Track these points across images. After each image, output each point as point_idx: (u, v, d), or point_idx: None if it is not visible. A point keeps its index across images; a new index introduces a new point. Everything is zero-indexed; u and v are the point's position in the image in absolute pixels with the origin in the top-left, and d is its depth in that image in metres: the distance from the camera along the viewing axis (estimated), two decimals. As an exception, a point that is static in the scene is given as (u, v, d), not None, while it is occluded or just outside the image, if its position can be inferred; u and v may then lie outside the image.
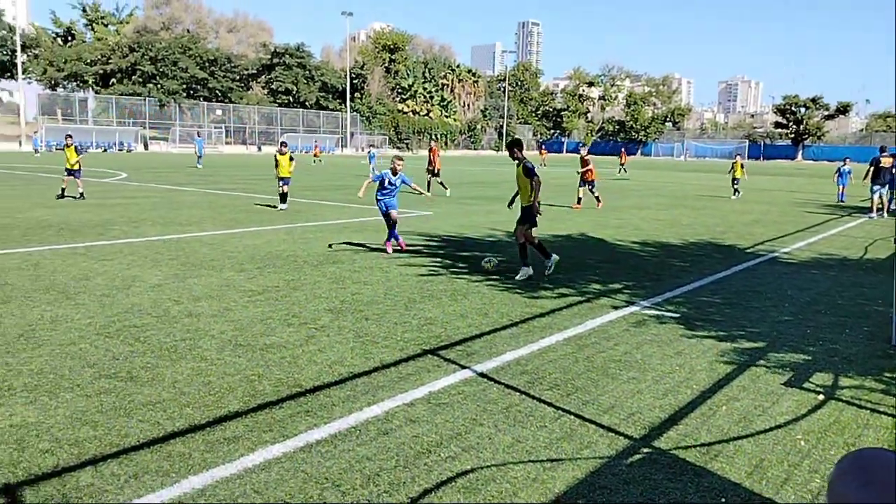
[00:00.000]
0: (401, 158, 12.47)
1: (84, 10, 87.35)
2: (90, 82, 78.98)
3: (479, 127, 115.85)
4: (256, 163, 50.19)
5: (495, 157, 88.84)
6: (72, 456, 4.13)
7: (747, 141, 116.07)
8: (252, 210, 18.30)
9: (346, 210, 19.09)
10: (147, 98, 77.66)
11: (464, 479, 4.02)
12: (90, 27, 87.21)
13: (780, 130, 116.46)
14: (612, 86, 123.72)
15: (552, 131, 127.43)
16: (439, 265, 11.00)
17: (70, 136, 21.26)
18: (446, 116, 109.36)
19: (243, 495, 3.76)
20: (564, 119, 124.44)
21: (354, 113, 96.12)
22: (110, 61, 78.00)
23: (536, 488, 3.94)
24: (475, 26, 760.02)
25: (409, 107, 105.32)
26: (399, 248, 12.16)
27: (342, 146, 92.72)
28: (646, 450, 4.51)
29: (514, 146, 10.21)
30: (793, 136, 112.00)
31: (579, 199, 21.80)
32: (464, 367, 6.00)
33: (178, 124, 78.80)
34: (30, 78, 75.58)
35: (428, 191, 24.80)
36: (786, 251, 13.68)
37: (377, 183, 12.31)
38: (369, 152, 39.62)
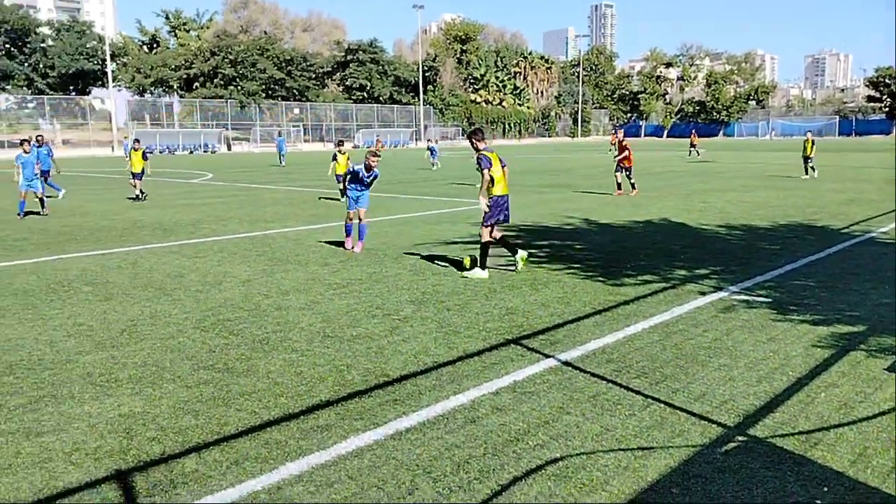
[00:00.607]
0: (376, 154, 11.26)
1: (167, 18, 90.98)
2: (175, 87, 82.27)
3: (553, 114, 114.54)
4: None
5: (571, 144, 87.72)
6: (176, 444, 4.35)
7: (837, 117, 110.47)
8: (332, 206, 18.70)
9: (422, 203, 19.26)
10: (228, 100, 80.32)
11: (553, 467, 4.01)
12: (173, 34, 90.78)
13: (872, 105, 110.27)
14: (691, 66, 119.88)
15: (629, 115, 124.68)
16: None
17: (137, 141, 21.98)
18: (519, 105, 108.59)
19: (338, 481, 3.87)
20: (642, 102, 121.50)
21: (427, 106, 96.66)
22: (193, 66, 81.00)
23: (628, 476, 3.90)
24: (546, 12, 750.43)
25: (481, 97, 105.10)
26: (354, 248, 11.23)
27: (416, 139, 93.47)
28: (741, 438, 4.39)
29: (472, 136, 9.35)
30: (887, 109, 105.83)
31: (619, 185, 20.81)
32: (548, 356, 5.97)
33: (258, 124, 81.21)
34: (119, 85, 79.36)
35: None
36: (884, 231, 12.97)
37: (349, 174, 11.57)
38: (429, 146, 39.12)
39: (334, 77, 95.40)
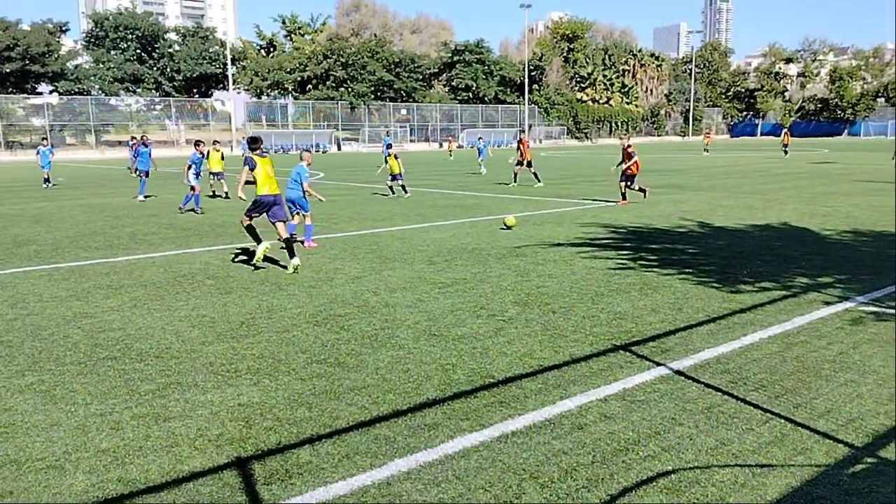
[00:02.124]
0: (307, 151, 12.81)
1: (283, 23, 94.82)
2: (290, 89, 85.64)
3: (662, 112, 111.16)
4: (438, 159, 51.77)
5: (681, 143, 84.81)
6: (291, 434, 4.53)
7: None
8: (438, 205, 18.92)
9: (526, 203, 19.15)
10: (339, 101, 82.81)
11: (665, 480, 3.89)
12: (289, 38, 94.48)
13: None
14: (813, 61, 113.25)
15: (744, 113, 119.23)
16: (626, 257, 10.71)
17: (217, 142, 23.38)
18: (627, 103, 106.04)
19: (445, 480, 3.91)
20: (759, 99, 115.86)
21: (532, 105, 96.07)
22: (307, 69, 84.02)
23: (746, 494, 3.73)
24: (658, 8, 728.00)
25: (588, 95, 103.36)
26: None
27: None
28: (870, 460, 4.10)
29: (249, 143, 10.63)
30: None
31: (623, 195, 18.52)
32: (658, 364, 5.80)
33: (366, 125, 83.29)
34: (239, 88, 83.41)
35: (515, 181, 25.47)
36: None
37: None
38: (478, 146, 34.61)
39: (440, 78, 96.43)
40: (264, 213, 10.34)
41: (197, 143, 19.44)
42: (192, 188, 17.95)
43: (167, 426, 4.67)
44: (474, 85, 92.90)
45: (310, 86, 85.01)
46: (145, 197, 21.12)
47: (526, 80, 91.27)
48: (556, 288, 8.68)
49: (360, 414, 4.83)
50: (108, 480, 3.96)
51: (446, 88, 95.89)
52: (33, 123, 68.84)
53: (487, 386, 5.35)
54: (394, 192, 21.38)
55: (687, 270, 9.62)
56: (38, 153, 27.34)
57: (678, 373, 5.60)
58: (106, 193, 23.09)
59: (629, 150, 18.58)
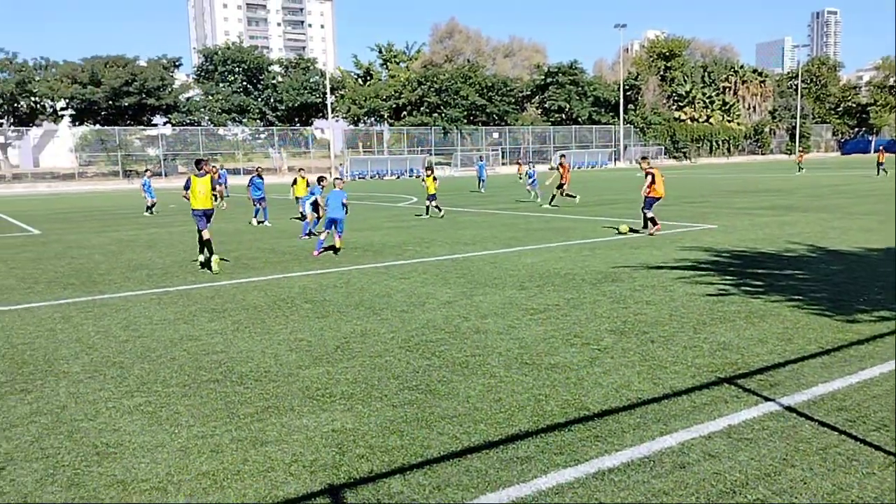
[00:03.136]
0: (340, 178, 15.99)
1: (380, 52, 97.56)
2: (385, 116, 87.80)
3: (766, 130, 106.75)
4: (532, 181, 51.48)
5: (787, 162, 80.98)
6: (383, 463, 4.52)
7: None
8: (530, 228, 18.77)
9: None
10: (433, 127, 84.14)
11: (776, 528, 3.62)
12: (385, 66, 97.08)
13: None
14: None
15: (856, 129, 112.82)
16: (730, 283, 10.23)
17: (301, 170, 24.49)
18: (728, 121, 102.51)
19: (538, 518, 3.78)
20: (871, 115, 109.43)
21: (628, 125, 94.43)
22: (402, 96, 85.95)
23: (869, 549, 3.41)
24: (761, 23, 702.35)
25: (686, 114, 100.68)
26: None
27: (615, 159, 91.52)
28: None
29: (196, 164, 13.23)
30: None
31: (652, 220, 16.94)
32: (767, 400, 5.45)
33: (459, 149, 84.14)
34: (337, 116, 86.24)
35: (551, 203, 25.86)
36: None
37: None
38: (528, 171, 32.33)
39: (533, 100, 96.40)
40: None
41: (320, 180, 19.70)
42: (303, 216, 18.83)
43: (264, 450, 4.76)
44: (567, 106, 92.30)
45: (404, 112, 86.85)
46: (262, 223, 22.21)
47: (621, 100, 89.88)
48: (655, 315, 8.37)
49: (451, 444, 4.77)
50: None
51: (539, 111, 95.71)
52: (148, 153, 73.49)
53: (582, 419, 5.18)
54: (428, 213, 23.16)
55: (796, 298, 9.08)
56: (144, 184, 29.09)
57: (789, 409, 5.25)
58: (219, 221, 24.22)
59: (649, 170, 17.78)
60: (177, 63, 78.45)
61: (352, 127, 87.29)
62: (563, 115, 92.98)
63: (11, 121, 70.86)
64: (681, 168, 77.18)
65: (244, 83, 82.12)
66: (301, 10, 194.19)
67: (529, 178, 31.07)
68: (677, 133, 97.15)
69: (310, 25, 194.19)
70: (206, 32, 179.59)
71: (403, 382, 6.13)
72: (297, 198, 23.61)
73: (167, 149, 72.80)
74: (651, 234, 16.49)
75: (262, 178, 23.06)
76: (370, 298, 9.93)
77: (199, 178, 13.25)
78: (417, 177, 72.44)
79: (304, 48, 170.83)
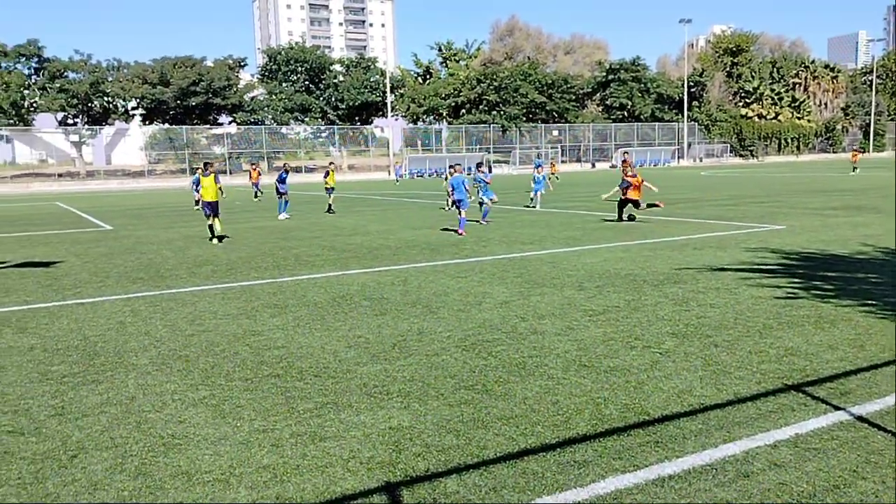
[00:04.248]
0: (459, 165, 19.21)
1: (440, 50, 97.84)
2: (444, 114, 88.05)
3: (839, 127, 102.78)
4: (591, 180, 50.95)
5: (861, 160, 77.81)
6: (439, 462, 4.53)
7: None
8: (587, 228, 18.54)
9: (685, 226, 18.30)
10: (491, 125, 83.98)
11: (847, 544, 3.48)
12: (444, 65, 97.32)
13: None
14: None
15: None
16: (798, 286, 9.88)
17: (332, 164, 27.22)
18: (798, 118, 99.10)
19: (596, 524, 3.73)
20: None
21: (692, 122, 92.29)
22: (461, 94, 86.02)
23: (948, 570, 3.24)
24: (833, 16, 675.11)
25: (753, 111, 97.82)
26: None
27: (678, 157, 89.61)
28: None
29: (204, 167, 16.55)
30: None
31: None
32: (837, 409, 5.25)
33: (517, 147, 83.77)
34: (396, 115, 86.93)
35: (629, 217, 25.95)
36: None
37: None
38: (535, 175, 29.25)
39: (594, 97, 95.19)
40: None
41: (479, 165, 22.65)
42: (480, 203, 20.38)
43: (323, 446, 4.83)
44: (629, 103, 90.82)
45: (463, 110, 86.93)
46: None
47: (685, 97, 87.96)
48: (719, 319, 8.16)
49: (507, 445, 4.75)
50: (267, 497, 4.14)
51: (600, 108, 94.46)
52: (214, 151, 75.57)
53: (642, 423, 5.08)
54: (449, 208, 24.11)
55: (869, 302, 8.71)
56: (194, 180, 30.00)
57: (860, 419, 5.04)
58: (275, 216, 24.75)
59: (629, 173, 19.25)
60: (242, 63, 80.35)
61: (411, 125, 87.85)
62: (625, 113, 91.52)
63: (86, 120, 73.81)
64: (747, 166, 75.09)
65: (306, 82, 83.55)
66: (362, 9, 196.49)
67: (535, 183, 27.92)
68: (744, 130, 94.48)
69: (371, 25, 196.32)
70: (271, 33, 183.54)
71: (460, 382, 6.13)
72: (327, 188, 26.03)
73: (232, 147, 74.73)
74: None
75: (287, 173, 25.38)
76: (427, 297, 9.97)
77: (205, 178, 17.42)
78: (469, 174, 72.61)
79: (364, 47, 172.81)
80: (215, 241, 17.26)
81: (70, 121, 73.18)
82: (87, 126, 73.95)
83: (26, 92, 70.90)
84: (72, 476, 4.48)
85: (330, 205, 26.33)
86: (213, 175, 17.49)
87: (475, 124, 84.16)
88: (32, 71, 72.22)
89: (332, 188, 26.35)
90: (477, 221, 19.47)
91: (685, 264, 12.08)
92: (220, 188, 17.75)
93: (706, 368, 6.33)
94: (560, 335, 7.64)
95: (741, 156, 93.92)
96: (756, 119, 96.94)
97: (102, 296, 10.74)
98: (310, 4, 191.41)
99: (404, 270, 12.45)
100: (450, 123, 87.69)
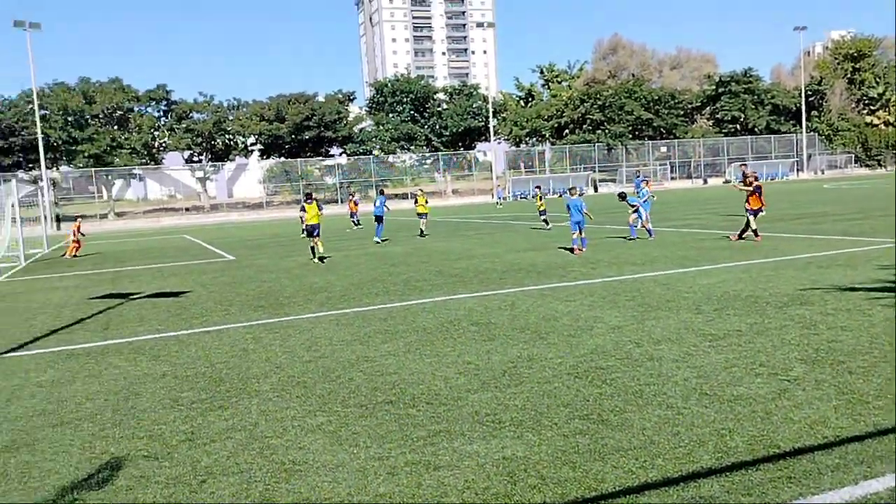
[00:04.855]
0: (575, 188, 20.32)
1: (541, 72, 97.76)
2: (547, 136, 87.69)
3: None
4: (703, 196, 49.14)
5: None
6: (556, 495, 4.42)
7: None
8: (703, 247, 17.83)
9: (809, 243, 17.27)
10: (596, 144, 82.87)
11: None
12: (546, 86, 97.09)
13: None
14: None
15: None
16: (942, 307, 9.08)
17: (421, 190, 29.58)
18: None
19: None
20: None
21: (811, 133, 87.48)
22: (564, 115, 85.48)
23: None
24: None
25: (879, 118, 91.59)
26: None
27: (797, 170, 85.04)
28: None
29: (305, 199, 17.87)
30: None
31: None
32: None
33: (624, 165, 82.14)
34: (499, 138, 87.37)
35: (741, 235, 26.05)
36: None
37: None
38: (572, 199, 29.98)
39: (704, 112, 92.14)
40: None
41: (646, 181, 25.01)
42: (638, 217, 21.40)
43: (437, 475, 4.84)
44: (742, 116, 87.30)
45: (566, 131, 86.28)
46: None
47: (803, 107, 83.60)
48: (852, 343, 7.61)
49: (626, 479, 4.59)
50: (385, 525, 4.18)
51: (710, 122, 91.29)
52: (326, 182, 78.65)
53: (772, 457, 4.78)
54: (548, 225, 26.67)
55: None
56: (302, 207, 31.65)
57: None
58: (387, 243, 25.34)
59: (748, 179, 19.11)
60: (351, 97, 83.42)
61: (513, 148, 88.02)
62: (738, 126, 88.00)
63: (209, 157, 78.65)
64: (876, 177, 70.24)
65: (412, 112, 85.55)
66: (464, 38, 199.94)
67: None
68: (869, 139, 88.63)
69: (472, 52, 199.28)
70: (377, 66, 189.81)
71: (574, 411, 6.00)
72: (419, 213, 27.60)
73: (342, 177, 77.44)
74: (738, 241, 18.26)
75: (383, 195, 27.85)
76: (536, 322, 9.86)
77: (308, 205, 21.15)
78: (581, 194, 71.71)
79: (467, 74, 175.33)
80: (317, 260, 19.98)
81: (195, 158, 78.23)
82: (210, 162, 78.76)
83: (156, 133, 76.58)
84: (202, 500, 4.69)
85: (421, 229, 27.69)
86: (315, 203, 21.21)
87: (579, 144, 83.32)
88: (161, 113, 77.94)
89: (423, 213, 27.69)
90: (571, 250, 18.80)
91: (811, 284, 11.38)
92: (320, 213, 21.18)
93: (840, 397, 5.90)
94: (678, 361, 7.35)
95: (867, 166, 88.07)
96: (882, 127, 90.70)
97: (227, 323, 11.31)
98: (414, 37, 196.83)
99: (511, 294, 12.40)
100: (553, 144, 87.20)
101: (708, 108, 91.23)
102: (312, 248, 20.63)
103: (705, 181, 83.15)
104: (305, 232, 22.01)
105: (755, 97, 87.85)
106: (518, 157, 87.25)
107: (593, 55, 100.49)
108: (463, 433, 5.62)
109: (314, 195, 22.98)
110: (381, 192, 28.97)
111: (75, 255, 27.90)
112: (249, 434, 5.93)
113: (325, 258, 20.46)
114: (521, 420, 5.85)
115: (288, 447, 5.56)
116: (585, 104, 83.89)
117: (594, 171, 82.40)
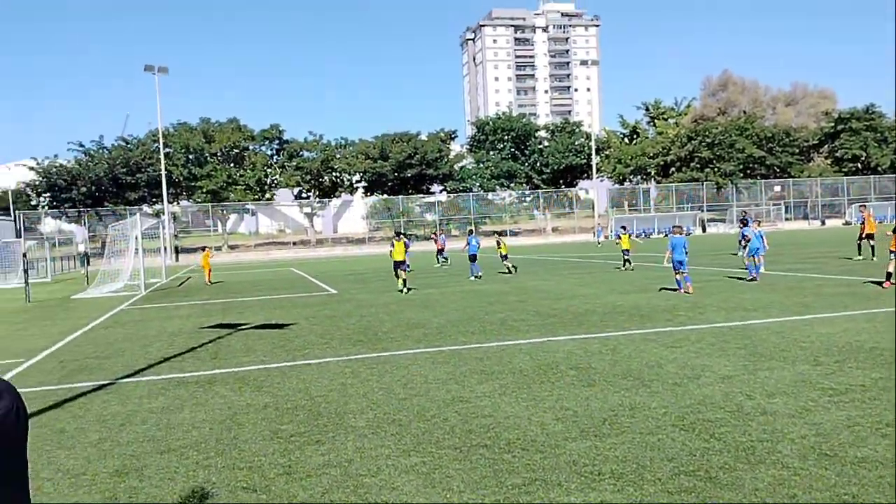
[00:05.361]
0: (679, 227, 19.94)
1: (647, 110, 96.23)
2: (652, 174, 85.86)
3: None
4: (821, 238, 46.47)
5: None
6: (658, 557, 4.15)
7: None
8: (822, 293, 16.75)
9: (944, 291, 15.88)
10: (704, 182, 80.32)
11: None
12: (652, 124, 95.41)
13: None
14: None
15: None
16: None
17: (501, 233, 31.24)
18: None
19: None
20: None
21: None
22: (670, 152, 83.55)
23: None
24: None
25: None
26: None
27: (928, 212, 79.01)
28: None
29: (397, 234, 20.63)
30: None
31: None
32: None
33: (734, 205, 79.07)
34: (602, 176, 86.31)
35: (859, 254, 25.91)
36: None
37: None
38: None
39: (821, 150, 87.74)
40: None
41: (756, 221, 25.66)
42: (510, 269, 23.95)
43: (531, 526, 4.66)
44: (864, 154, 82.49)
45: (672, 168, 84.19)
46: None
47: (933, 144, 78.07)
48: None
49: (736, 544, 4.26)
50: (476, 577, 4.04)
51: (828, 160, 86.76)
52: (426, 218, 79.91)
53: (904, 531, 4.33)
54: (631, 264, 27.12)
55: None
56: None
57: None
58: (481, 281, 25.32)
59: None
60: (452, 135, 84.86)
61: (617, 186, 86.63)
62: (859, 165, 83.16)
63: (317, 193, 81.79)
64: None
65: (512, 149, 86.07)
66: (567, 75, 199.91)
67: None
68: None
69: (576, 90, 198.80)
70: (479, 104, 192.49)
71: (679, 466, 5.67)
72: (501, 255, 28.53)
73: (442, 214, 78.51)
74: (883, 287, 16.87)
75: (472, 234, 28.82)
76: (638, 368, 9.49)
77: (397, 242, 23.13)
78: (688, 234, 69.43)
79: (569, 112, 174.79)
80: (403, 290, 22.19)
81: (304, 195, 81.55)
82: (317, 199, 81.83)
83: (269, 170, 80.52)
84: (295, 536, 4.71)
85: (508, 267, 28.31)
86: (402, 241, 23.37)
87: (686, 182, 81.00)
88: (274, 151, 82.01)
89: (505, 254, 28.73)
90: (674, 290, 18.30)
91: (947, 337, 10.41)
92: (406, 251, 23.50)
93: None
94: (794, 417, 6.84)
95: None
96: None
97: (327, 357, 11.53)
98: (517, 76, 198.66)
99: (613, 338, 12.03)
100: (658, 182, 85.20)
101: (826, 146, 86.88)
102: (404, 281, 22.62)
103: (823, 222, 78.82)
104: (393, 267, 24.00)
105: (878, 134, 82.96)
106: (622, 195, 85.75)
107: (701, 91, 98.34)
108: (560, 483, 5.42)
109: (402, 233, 25.63)
110: (471, 233, 30.16)
111: (211, 282, 31.78)
112: (344, 471, 5.95)
113: (411, 289, 22.70)
114: (621, 472, 5.58)
115: (381, 487, 5.53)
116: (693, 141, 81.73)
117: (702, 211, 79.76)
